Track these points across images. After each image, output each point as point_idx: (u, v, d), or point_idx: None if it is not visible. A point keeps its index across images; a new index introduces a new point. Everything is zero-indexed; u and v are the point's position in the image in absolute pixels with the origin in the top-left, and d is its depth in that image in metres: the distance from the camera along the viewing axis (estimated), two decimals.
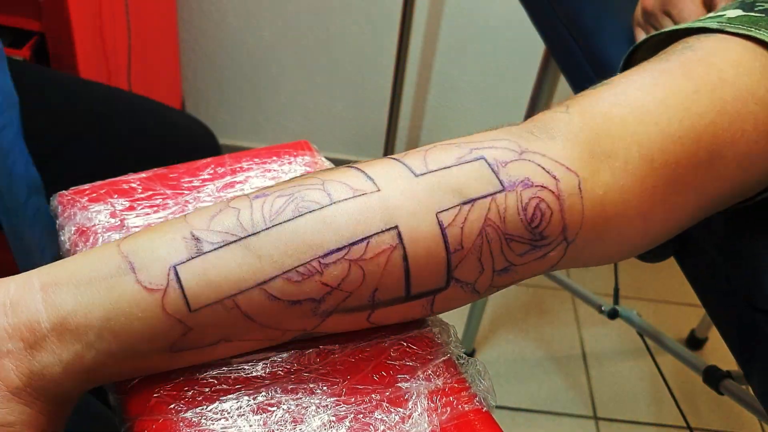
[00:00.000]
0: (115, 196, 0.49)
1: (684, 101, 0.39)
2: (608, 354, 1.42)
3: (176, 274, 0.33)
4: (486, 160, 0.37)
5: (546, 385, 1.34)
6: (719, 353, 1.41)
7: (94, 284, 0.33)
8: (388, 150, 1.55)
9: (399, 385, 0.37)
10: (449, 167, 0.36)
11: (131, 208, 0.48)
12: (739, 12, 0.44)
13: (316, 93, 1.59)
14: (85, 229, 0.46)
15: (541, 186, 0.36)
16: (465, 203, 0.36)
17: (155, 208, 0.48)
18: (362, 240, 0.35)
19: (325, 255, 0.34)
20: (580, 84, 0.76)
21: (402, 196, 0.35)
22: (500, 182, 0.36)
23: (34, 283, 0.33)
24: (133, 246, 0.34)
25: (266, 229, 0.34)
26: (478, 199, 0.36)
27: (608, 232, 0.39)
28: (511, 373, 1.35)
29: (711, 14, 0.46)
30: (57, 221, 0.48)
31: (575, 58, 0.77)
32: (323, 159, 0.54)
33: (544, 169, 0.37)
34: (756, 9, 0.44)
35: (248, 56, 1.54)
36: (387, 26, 1.46)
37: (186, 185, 0.50)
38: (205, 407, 0.35)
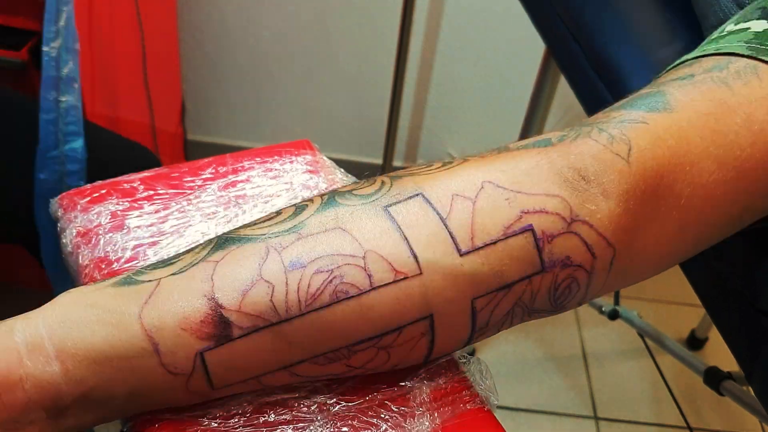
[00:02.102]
0: (116, 196, 0.49)
1: (737, 158, 0.36)
2: (609, 354, 1.42)
3: (203, 360, 0.32)
4: (534, 234, 0.34)
5: (546, 385, 1.34)
6: (720, 354, 1.41)
7: (116, 362, 0.31)
8: (389, 150, 1.55)
9: (401, 384, 0.37)
10: (495, 243, 0.34)
11: (132, 209, 0.48)
12: (765, 24, 0.41)
13: (316, 93, 1.59)
14: (86, 230, 0.46)
15: (578, 265, 0.35)
16: (502, 288, 0.34)
17: (156, 209, 0.48)
18: (396, 330, 0.33)
19: (356, 343, 0.33)
20: (581, 84, 0.76)
21: (443, 281, 0.33)
22: (541, 263, 0.34)
23: (47, 349, 0.31)
24: (157, 322, 0.32)
25: (300, 315, 0.32)
26: (516, 283, 0.34)
27: (619, 287, 0.39)
28: (511, 373, 1.35)
29: (732, 27, 0.42)
30: (58, 224, 0.48)
31: (576, 57, 0.77)
32: (324, 158, 0.54)
33: (587, 245, 0.35)
34: None
35: (248, 56, 1.54)
36: (387, 26, 1.46)
37: (188, 185, 0.50)
38: (206, 408, 0.35)
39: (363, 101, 1.60)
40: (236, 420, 0.34)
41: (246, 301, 0.32)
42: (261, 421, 0.35)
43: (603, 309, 1.18)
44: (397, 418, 0.35)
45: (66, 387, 0.31)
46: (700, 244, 0.39)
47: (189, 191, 0.49)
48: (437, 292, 0.33)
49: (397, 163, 1.69)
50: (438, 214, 0.34)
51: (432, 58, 1.52)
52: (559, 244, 0.34)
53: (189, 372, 0.32)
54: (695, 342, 1.44)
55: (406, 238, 0.33)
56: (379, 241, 0.33)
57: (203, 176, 0.50)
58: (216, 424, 0.34)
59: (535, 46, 1.04)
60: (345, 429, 0.35)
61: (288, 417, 0.35)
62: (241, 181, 0.50)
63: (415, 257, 0.33)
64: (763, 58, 0.38)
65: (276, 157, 0.53)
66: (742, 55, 0.39)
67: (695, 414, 1.31)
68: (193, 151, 1.66)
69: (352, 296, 0.32)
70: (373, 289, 0.32)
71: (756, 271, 0.49)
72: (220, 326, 0.32)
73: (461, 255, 0.33)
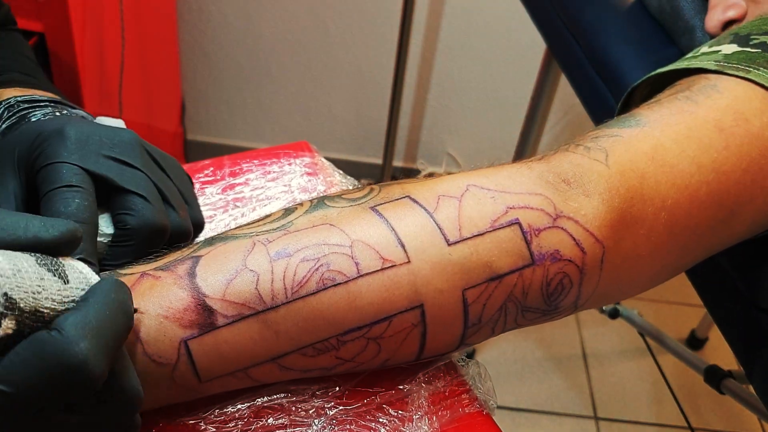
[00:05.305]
0: None
1: (715, 161, 0.38)
2: (609, 354, 1.41)
3: (187, 349, 0.31)
4: (520, 226, 0.35)
5: (546, 385, 1.34)
6: (720, 353, 1.41)
7: None
8: (389, 150, 1.55)
9: (400, 387, 0.37)
10: (483, 234, 0.34)
11: None
12: (735, 47, 0.43)
13: (316, 93, 1.59)
14: None
15: (569, 260, 0.35)
16: (493, 280, 0.34)
17: None
18: (385, 319, 0.33)
19: (345, 333, 0.33)
20: (582, 83, 0.76)
21: (432, 270, 0.33)
22: (530, 255, 0.35)
23: None
24: (140, 309, 0.31)
25: (287, 303, 0.32)
26: (507, 275, 0.34)
27: (615, 294, 0.39)
28: (511, 373, 1.35)
29: (705, 49, 0.45)
30: None
31: (576, 57, 0.76)
32: (323, 160, 0.54)
33: (574, 240, 0.35)
34: (751, 43, 0.43)
35: (248, 56, 1.54)
36: (387, 26, 1.46)
37: None
38: (205, 411, 0.35)
39: (363, 101, 1.60)
40: (234, 424, 0.34)
41: (230, 290, 0.32)
42: (258, 425, 0.35)
43: (603, 308, 1.19)
44: (395, 422, 0.35)
45: None
46: (690, 253, 0.40)
47: None
48: (426, 281, 0.33)
49: (397, 163, 1.69)
50: (425, 209, 0.35)
51: (432, 58, 1.52)
52: (546, 238, 0.35)
53: (174, 362, 0.31)
54: (695, 342, 1.44)
55: (394, 229, 0.34)
56: (366, 233, 0.34)
57: (201, 179, 0.50)
58: (213, 429, 0.34)
59: (536, 46, 1.04)
60: None
61: (285, 421, 0.35)
62: (240, 184, 0.50)
63: (403, 246, 0.33)
64: (728, 72, 0.41)
65: (274, 159, 0.53)
66: (710, 71, 0.42)
67: (695, 414, 1.31)
68: (193, 151, 1.66)
69: (340, 283, 0.32)
70: (361, 276, 0.32)
71: (757, 270, 0.49)
72: (203, 314, 0.31)
73: (449, 245, 0.34)
